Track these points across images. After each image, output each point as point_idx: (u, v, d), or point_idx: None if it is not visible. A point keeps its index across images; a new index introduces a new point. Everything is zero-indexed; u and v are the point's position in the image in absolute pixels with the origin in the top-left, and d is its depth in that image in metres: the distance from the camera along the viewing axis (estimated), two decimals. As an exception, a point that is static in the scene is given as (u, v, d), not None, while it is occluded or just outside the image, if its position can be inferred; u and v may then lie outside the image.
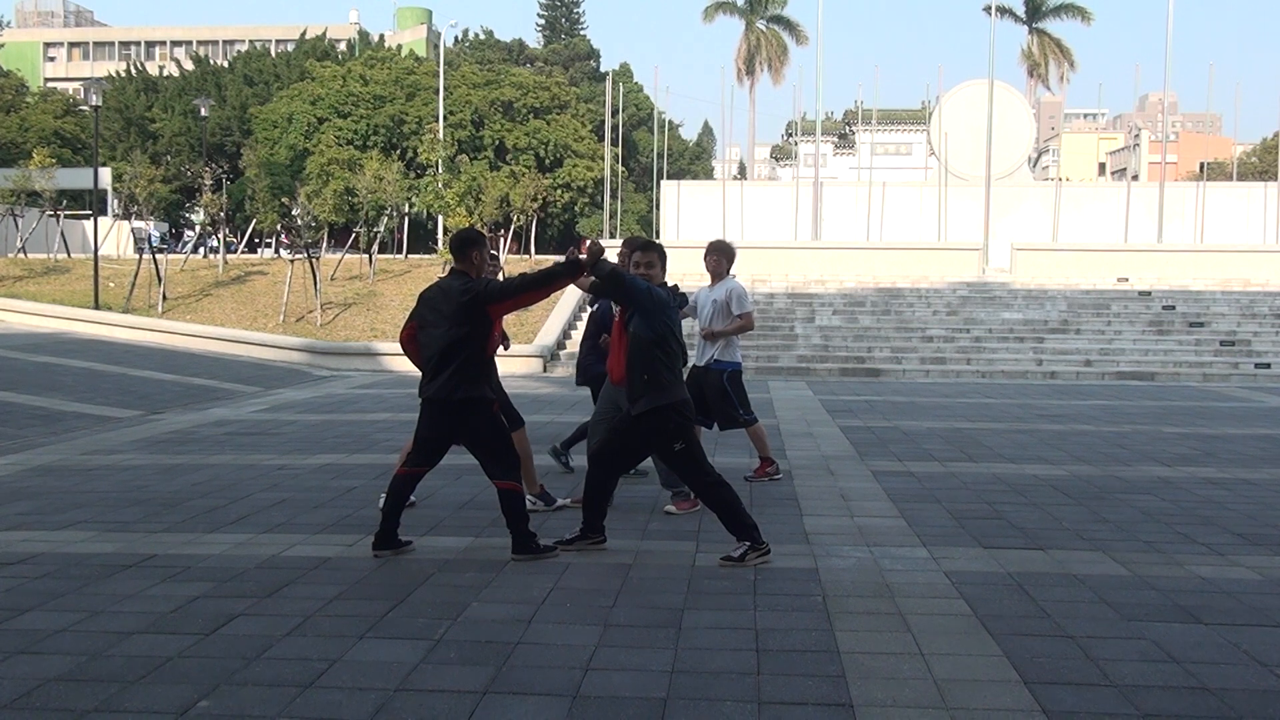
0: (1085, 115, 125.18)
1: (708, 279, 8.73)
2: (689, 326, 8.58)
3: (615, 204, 49.82)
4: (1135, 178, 43.86)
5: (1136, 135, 54.12)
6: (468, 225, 27.74)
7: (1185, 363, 23.24)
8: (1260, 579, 5.88)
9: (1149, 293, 27.35)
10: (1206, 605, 5.34)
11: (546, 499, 7.58)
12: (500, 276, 6.73)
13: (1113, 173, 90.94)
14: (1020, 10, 56.87)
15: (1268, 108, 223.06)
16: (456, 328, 6.04)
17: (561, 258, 6.29)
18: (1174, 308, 26.47)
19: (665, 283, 6.49)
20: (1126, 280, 28.53)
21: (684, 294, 7.53)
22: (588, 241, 6.21)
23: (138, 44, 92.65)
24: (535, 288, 6.29)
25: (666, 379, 6.03)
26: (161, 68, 70.61)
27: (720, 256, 8.60)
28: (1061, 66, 57.02)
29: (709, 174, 76.26)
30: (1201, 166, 58.08)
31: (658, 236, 37.98)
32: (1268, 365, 23.08)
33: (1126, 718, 3.96)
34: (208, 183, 32.61)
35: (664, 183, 43.75)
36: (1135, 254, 30.21)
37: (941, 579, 5.79)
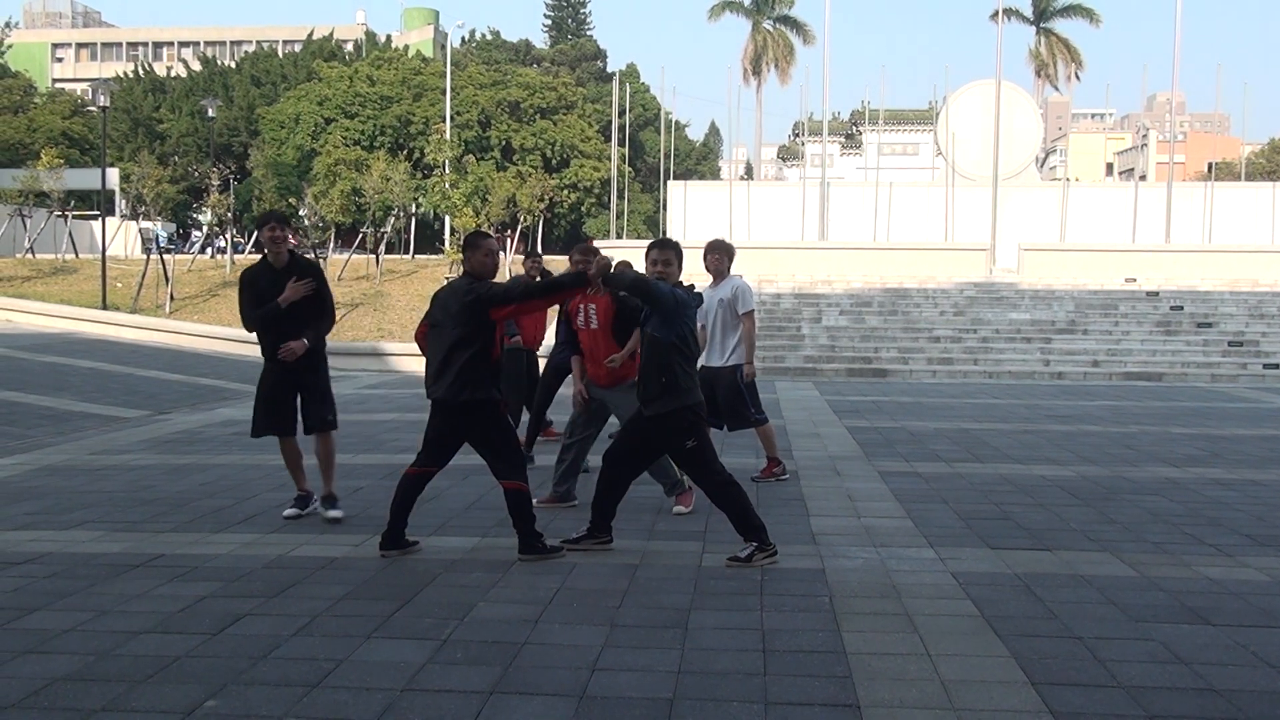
0: (1093, 115, 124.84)
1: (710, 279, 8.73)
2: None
3: (622, 204, 49.81)
4: (1143, 178, 43.69)
5: (1144, 135, 53.95)
6: (475, 226, 27.78)
7: (1193, 363, 23.18)
8: (1268, 580, 5.86)
9: (1157, 293, 27.29)
10: (1214, 607, 5.33)
11: (302, 502, 7.39)
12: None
13: (1120, 173, 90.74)
14: (1028, 11, 56.71)
15: (1276, 108, 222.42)
16: (460, 328, 6.05)
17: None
18: (1182, 308, 26.40)
19: (681, 282, 6.45)
20: (1134, 280, 28.46)
21: (699, 293, 7.53)
22: (592, 242, 6.23)
23: (145, 45, 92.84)
24: (539, 295, 6.32)
25: (684, 383, 6.05)
26: (169, 68, 70.78)
27: (721, 255, 8.62)
28: (1069, 67, 56.78)
29: (715, 174, 76.23)
30: (1209, 166, 57.99)
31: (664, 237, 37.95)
32: (1276, 366, 23.02)
33: (1134, 719, 3.95)
34: (215, 183, 32.68)
35: (671, 183, 43.78)
36: (1143, 254, 30.14)
37: (948, 580, 5.78)
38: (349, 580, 5.70)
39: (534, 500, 7.29)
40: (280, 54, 67.31)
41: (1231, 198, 39.86)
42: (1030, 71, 57.98)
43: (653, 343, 6.08)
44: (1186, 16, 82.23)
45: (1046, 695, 4.14)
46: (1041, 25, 56.77)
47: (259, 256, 7.60)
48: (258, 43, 77.94)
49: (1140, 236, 36.52)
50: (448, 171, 36.56)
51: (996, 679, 4.31)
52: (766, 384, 18.05)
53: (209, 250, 38.26)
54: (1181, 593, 5.57)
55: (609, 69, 69.11)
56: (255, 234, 39.42)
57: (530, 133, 55.03)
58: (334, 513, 7.20)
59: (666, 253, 6.40)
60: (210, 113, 38.49)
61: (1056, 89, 58.97)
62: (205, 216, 38.49)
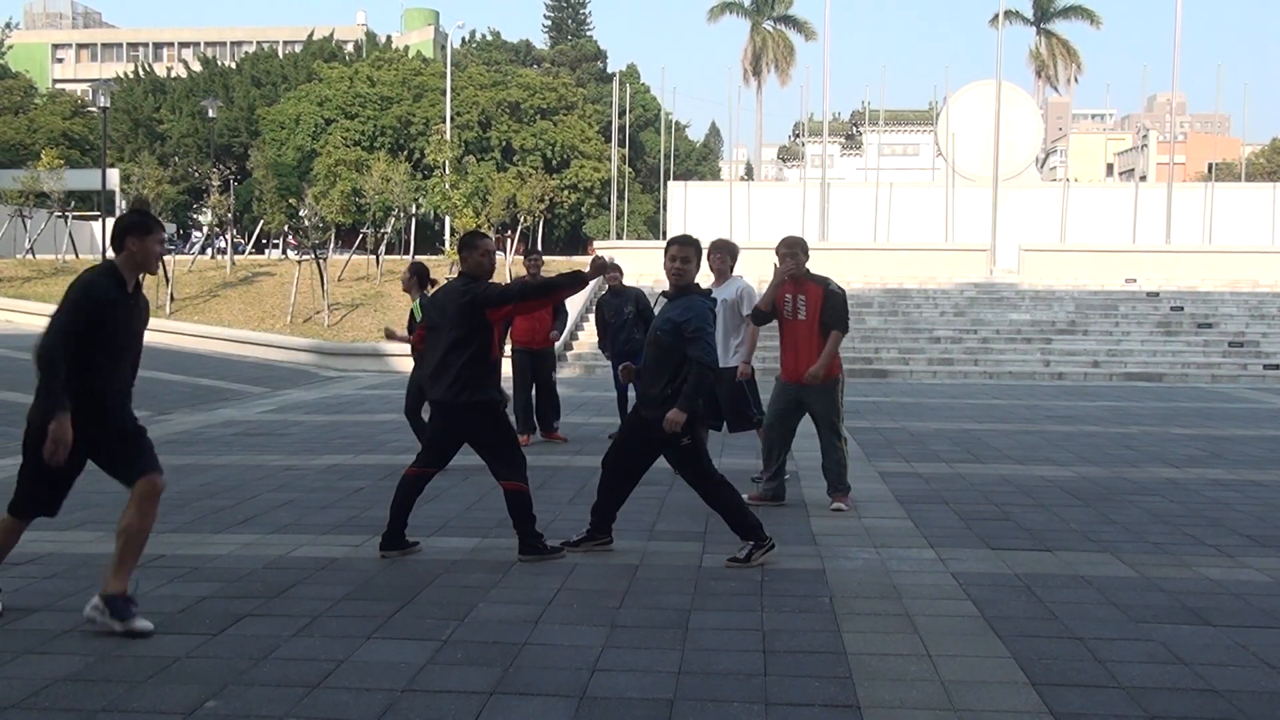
0: (1093, 116, 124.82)
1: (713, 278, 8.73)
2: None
3: (622, 205, 49.80)
4: (1143, 178, 43.73)
5: (1144, 136, 54.02)
6: (475, 226, 27.79)
7: (1193, 364, 23.18)
8: (1269, 581, 5.86)
9: (1157, 294, 27.29)
10: (1214, 607, 5.33)
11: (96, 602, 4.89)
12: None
13: (1120, 173, 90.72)
14: (1028, 12, 56.71)
15: (1276, 108, 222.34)
16: (457, 329, 6.04)
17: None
18: (1182, 309, 26.40)
19: (698, 284, 6.34)
20: (1134, 281, 28.47)
21: (714, 298, 7.52)
22: (594, 244, 6.23)
23: (145, 45, 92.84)
24: (536, 296, 6.28)
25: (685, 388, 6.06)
26: (169, 69, 70.77)
27: (725, 255, 8.61)
28: (1069, 67, 56.74)
29: (716, 175, 76.19)
30: (1210, 167, 57.98)
31: (664, 238, 37.95)
32: (1276, 366, 23.01)
33: (1134, 719, 3.95)
34: (215, 184, 32.67)
35: (671, 184, 43.78)
36: (1143, 255, 30.15)
37: (949, 580, 5.78)
38: (349, 581, 5.70)
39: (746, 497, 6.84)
40: (280, 55, 67.29)
41: (1232, 198, 39.85)
42: (1030, 72, 57.99)
43: (670, 351, 6.02)
44: (1186, 17, 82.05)
45: (1047, 696, 4.13)
46: (1042, 26, 56.76)
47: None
48: (258, 43, 77.92)
49: (1140, 237, 36.52)
50: (448, 172, 36.54)
51: (997, 680, 4.31)
52: (765, 385, 18.01)
53: (209, 251, 38.25)
54: (1182, 593, 5.57)
55: (609, 69, 69.06)
56: (256, 235, 39.47)
57: (530, 133, 55.01)
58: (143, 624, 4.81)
59: (686, 249, 6.30)
60: (210, 113, 38.52)
61: (1056, 89, 58.96)
62: (205, 217, 38.53)
